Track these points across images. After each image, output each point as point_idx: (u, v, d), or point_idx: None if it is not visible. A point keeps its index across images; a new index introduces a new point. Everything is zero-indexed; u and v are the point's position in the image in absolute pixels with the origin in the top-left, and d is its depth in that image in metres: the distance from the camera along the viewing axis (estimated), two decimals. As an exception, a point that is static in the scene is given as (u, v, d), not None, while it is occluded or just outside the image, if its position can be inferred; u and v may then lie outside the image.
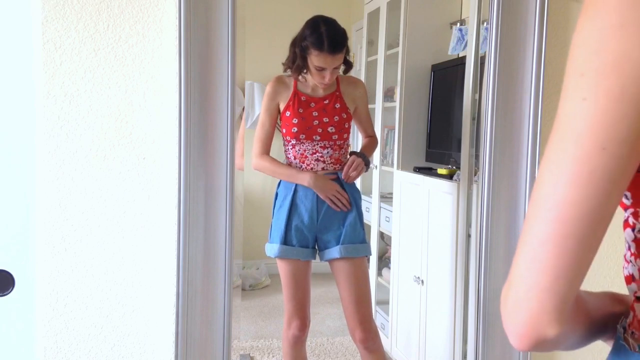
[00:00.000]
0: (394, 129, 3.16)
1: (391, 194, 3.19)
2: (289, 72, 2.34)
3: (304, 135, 2.28)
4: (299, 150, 2.30)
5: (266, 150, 2.33)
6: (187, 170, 1.47)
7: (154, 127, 1.51)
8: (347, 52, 2.30)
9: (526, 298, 0.57)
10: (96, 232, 1.50)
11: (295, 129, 2.27)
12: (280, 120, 2.32)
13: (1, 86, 1.41)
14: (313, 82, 2.30)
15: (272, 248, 2.32)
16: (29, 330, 1.50)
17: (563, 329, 0.58)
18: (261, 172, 2.40)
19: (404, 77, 3.04)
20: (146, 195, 1.52)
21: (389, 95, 3.37)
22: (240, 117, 4.11)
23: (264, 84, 4.49)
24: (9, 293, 1.34)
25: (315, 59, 2.19)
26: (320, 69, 2.21)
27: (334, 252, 2.30)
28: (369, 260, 3.47)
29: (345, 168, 2.32)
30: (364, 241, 2.34)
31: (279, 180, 2.40)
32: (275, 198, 2.39)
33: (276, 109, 2.32)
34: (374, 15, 3.54)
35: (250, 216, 4.41)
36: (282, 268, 2.34)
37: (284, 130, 2.30)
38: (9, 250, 1.42)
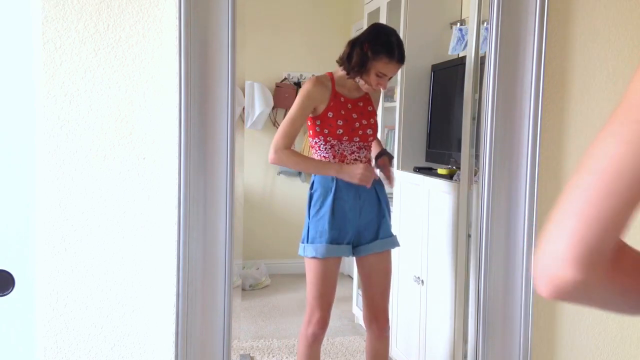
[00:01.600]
0: (394, 129, 3.16)
1: (391, 194, 3.19)
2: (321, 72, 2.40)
3: (347, 137, 2.32)
4: (338, 150, 2.34)
5: (291, 145, 2.36)
6: (187, 170, 1.47)
7: (154, 127, 1.51)
8: None
9: (555, 240, 0.59)
10: (96, 232, 1.50)
11: (341, 130, 2.31)
12: (320, 122, 2.32)
13: (1, 86, 1.41)
14: (349, 83, 2.34)
15: (315, 248, 2.33)
16: (29, 330, 1.50)
17: (587, 277, 0.58)
18: (281, 165, 2.41)
19: (404, 77, 3.04)
20: (146, 195, 1.52)
21: (389, 95, 3.37)
22: (241, 117, 4.11)
23: (264, 84, 4.52)
24: (9, 293, 1.34)
25: (382, 65, 2.25)
26: (382, 75, 2.27)
27: (375, 246, 2.39)
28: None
29: (389, 174, 2.47)
30: (393, 234, 2.47)
31: (311, 183, 2.40)
32: (310, 199, 2.37)
33: (312, 110, 2.33)
34: (374, 15, 3.54)
35: (250, 216, 4.40)
36: (318, 267, 2.35)
37: (327, 131, 2.31)
38: (9, 250, 1.42)
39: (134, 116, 1.50)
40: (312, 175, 2.42)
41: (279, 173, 4.70)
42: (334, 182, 2.32)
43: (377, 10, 3.44)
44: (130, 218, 1.52)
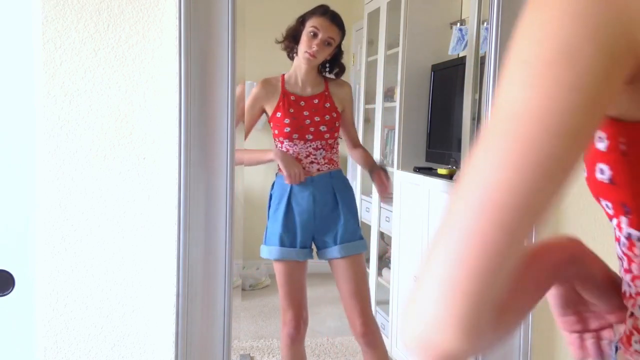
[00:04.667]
0: (394, 129, 3.16)
1: (391, 194, 3.19)
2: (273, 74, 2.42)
3: (297, 135, 2.28)
4: (292, 152, 2.31)
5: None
6: (187, 170, 1.47)
7: (154, 127, 1.51)
8: (341, 53, 2.36)
9: (428, 297, 0.46)
10: (96, 232, 1.50)
11: (288, 128, 2.28)
12: (270, 122, 2.34)
13: (1, 86, 1.41)
14: (303, 80, 2.31)
15: (269, 250, 2.34)
16: (29, 330, 1.50)
17: (476, 345, 0.47)
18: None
19: (404, 77, 3.04)
20: (146, 195, 1.52)
21: (389, 95, 3.37)
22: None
23: (264, 84, 4.51)
24: (9, 293, 1.34)
25: (312, 21, 2.25)
26: (313, 33, 2.24)
27: (334, 251, 2.33)
28: (368, 256, 3.47)
29: (384, 186, 2.42)
30: (360, 237, 2.38)
31: (272, 183, 2.41)
32: (270, 200, 2.39)
33: (259, 111, 2.35)
34: (374, 15, 3.54)
35: (250, 216, 4.41)
36: (279, 269, 2.35)
37: (276, 132, 2.31)
38: (9, 250, 1.42)
39: (134, 116, 1.50)
40: (275, 175, 2.40)
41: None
42: (290, 185, 2.31)
43: (377, 10, 3.44)
44: (130, 218, 1.52)
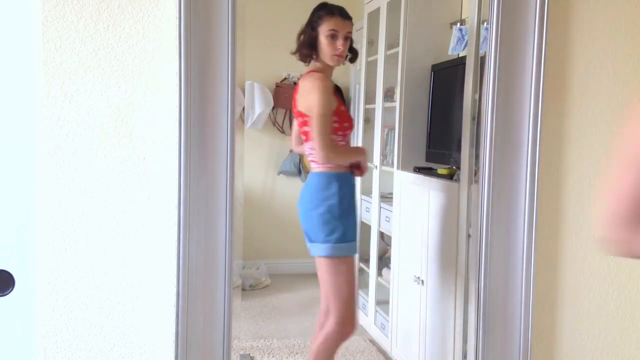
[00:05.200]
0: (394, 129, 3.16)
1: (391, 194, 3.19)
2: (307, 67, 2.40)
3: (350, 131, 2.40)
4: (345, 143, 2.39)
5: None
6: (187, 170, 1.47)
7: (154, 127, 1.51)
8: (352, 40, 2.39)
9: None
10: (96, 232, 1.50)
11: (347, 123, 2.36)
12: (335, 116, 2.30)
13: (1, 86, 1.41)
14: (327, 79, 2.34)
15: (349, 246, 2.33)
16: (29, 330, 1.50)
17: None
18: (332, 162, 2.34)
19: (404, 77, 3.03)
20: (146, 195, 1.52)
21: (389, 95, 3.37)
22: (241, 117, 4.11)
23: (264, 84, 4.52)
24: (9, 293, 1.34)
25: (327, 25, 2.29)
26: (333, 35, 2.28)
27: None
28: (368, 256, 3.47)
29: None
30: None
31: (325, 181, 2.32)
32: (339, 199, 2.31)
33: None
34: (374, 15, 3.54)
35: (250, 216, 4.40)
36: (350, 265, 2.35)
37: (337, 125, 2.30)
38: (9, 250, 1.42)
39: (134, 116, 1.50)
40: (328, 172, 2.33)
41: (279, 173, 4.69)
42: (354, 180, 2.41)
43: (377, 10, 3.44)
44: (130, 218, 1.52)
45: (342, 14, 2.32)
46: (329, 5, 2.34)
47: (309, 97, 2.27)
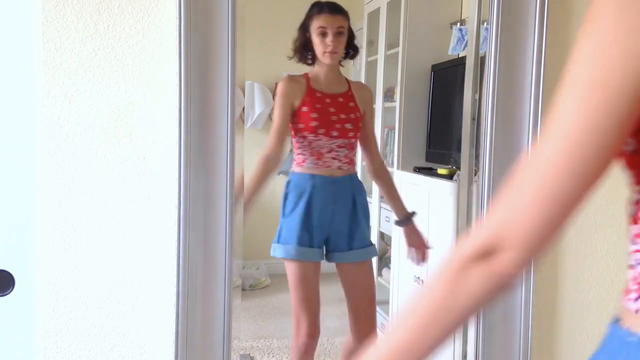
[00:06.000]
0: (394, 129, 3.16)
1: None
2: (298, 72, 2.35)
3: (323, 130, 2.24)
4: (315, 147, 2.26)
5: (276, 145, 2.27)
6: (187, 170, 1.47)
7: (154, 127, 1.51)
8: (352, 34, 2.31)
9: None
10: (96, 232, 1.50)
11: (315, 122, 2.23)
12: (296, 117, 2.27)
13: (1, 86, 1.41)
14: (328, 79, 2.28)
15: (285, 249, 2.28)
16: (29, 330, 1.50)
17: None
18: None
19: (404, 77, 3.03)
20: (146, 195, 1.52)
21: (389, 95, 3.37)
22: (241, 117, 4.11)
23: (264, 84, 4.52)
24: (9, 293, 1.34)
25: (316, 22, 2.22)
26: (323, 33, 2.21)
27: (347, 256, 2.29)
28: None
29: (418, 256, 2.35)
30: (371, 243, 2.35)
31: (287, 181, 2.35)
32: (285, 198, 2.33)
33: (290, 107, 2.27)
34: (374, 15, 3.54)
35: (250, 216, 4.40)
36: (294, 270, 2.28)
37: (302, 126, 2.25)
38: (9, 250, 1.42)
39: (134, 116, 1.50)
40: (290, 172, 2.36)
41: (279, 173, 4.67)
42: (311, 182, 2.26)
43: (377, 10, 3.44)
44: (130, 218, 1.52)
45: (331, 9, 2.23)
46: (318, 3, 2.28)
47: None
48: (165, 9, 1.49)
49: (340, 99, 2.30)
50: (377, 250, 2.40)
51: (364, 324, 2.30)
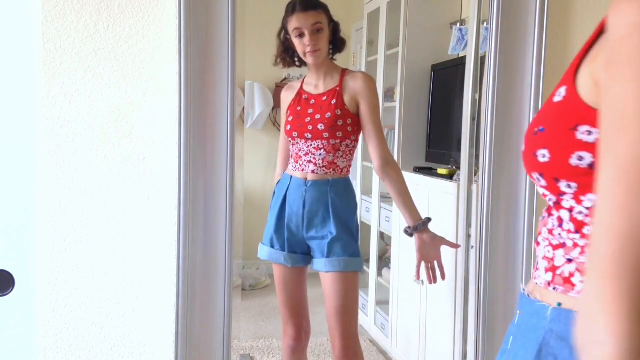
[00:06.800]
0: (394, 129, 3.16)
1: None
2: (291, 77, 2.33)
3: (296, 133, 2.15)
4: (294, 149, 2.19)
5: (283, 158, 2.27)
6: (187, 170, 1.47)
7: (154, 127, 1.51)
8: (337, 27, 2.20)
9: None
10: (96, 232, 1.50)
11: (289, 126, 2.18)
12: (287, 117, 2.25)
13: (1, 86, 1.41)
14: (317, 78, 2.20)
15: (261, 249, 2.25)
16: (29, 330, 1.50)
17: None
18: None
19: (404, 77, 3.04)
20: (146, 195, 1.52)
21: (389, 95, 3.37)
22: (241, 117, 4.11)
23: (264, 84, 4.52)
24: (9, 293, 1.34)
25: (290, 25, 2.12)
26: (299, 34, 2.11)
27: (320, 264, 2.15)
28: (368, 256, 3.47)
29: (428, 273, 2.14)
30: (353, 255, 2.14)
31: (277, 181, 2.37)
32: (273, 197, 2.30)
33: (285, 114, 2.25)
34: (374, 15, 3.54)
35: (250, 216, 4.40)
36: (275, 272, 2.26)
37: (282, 130, 2.26)
38: (9, 250, 1.42)
39: (134, 116, 1.50)
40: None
41: (279, 173, 4.69)
42: (287, 184, 2.21)
43: (377, 10, 3.44)
44: (130, 218, 1.52)
45: (303, 6, 2.10)
46: (292, 2, 2.15)
47: None
48: (165, 9, 1.49)
49: (324, 97, 2.18)
50: (361, 264, 2.18)
51: (332, 334, 2.17)
